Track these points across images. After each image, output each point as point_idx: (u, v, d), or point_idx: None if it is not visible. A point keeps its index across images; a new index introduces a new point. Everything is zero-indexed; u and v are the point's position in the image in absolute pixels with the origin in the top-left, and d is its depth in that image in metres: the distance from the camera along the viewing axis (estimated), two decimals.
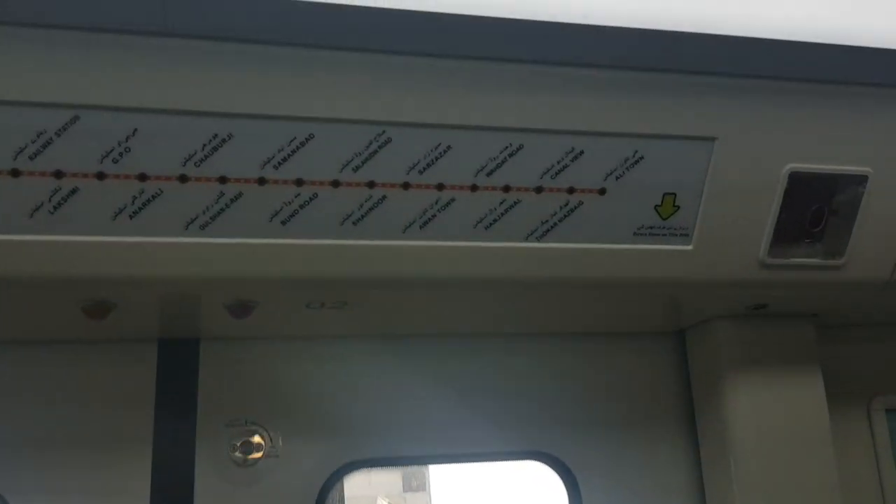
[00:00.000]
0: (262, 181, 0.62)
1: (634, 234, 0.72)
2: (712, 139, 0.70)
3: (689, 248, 0.73)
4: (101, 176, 0.59)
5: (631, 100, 0.68)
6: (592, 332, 0.92)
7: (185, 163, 0.61)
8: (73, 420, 0.76)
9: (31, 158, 0.58)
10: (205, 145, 0.61)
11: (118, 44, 0.57)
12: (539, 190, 0.68)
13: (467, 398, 0.87)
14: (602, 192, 0.70)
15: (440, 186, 0.66)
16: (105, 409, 0.77)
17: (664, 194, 0.71)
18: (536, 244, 0.70)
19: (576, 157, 0.68)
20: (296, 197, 0.64)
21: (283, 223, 0.64)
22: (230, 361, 0.81)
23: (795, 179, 0.73)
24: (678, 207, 0.72)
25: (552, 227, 0.70)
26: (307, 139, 0.62)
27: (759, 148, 0.71)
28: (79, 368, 0.77)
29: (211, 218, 0.62)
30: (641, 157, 0.70)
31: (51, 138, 0.58)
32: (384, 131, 0.64)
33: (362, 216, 0.65)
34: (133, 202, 0.61)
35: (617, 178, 0.70)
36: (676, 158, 0.70)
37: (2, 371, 0.76)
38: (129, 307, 0.68)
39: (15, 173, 0.58)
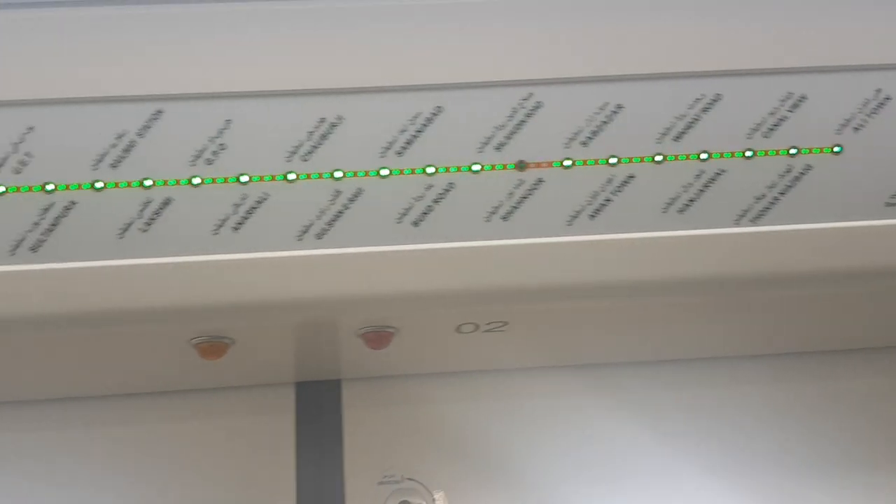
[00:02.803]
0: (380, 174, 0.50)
1: (886, 204, 0.52)
2: None
3: None
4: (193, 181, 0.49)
5: (862, 17, 0.50)
6: (828, 351, 0.72)
7: (290, 157, 0.50)
8: (200, 482, 0.67)
9: (112, 167, 0.49)
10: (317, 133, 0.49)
11: None
12: (749, 154, 0.51)
13: (676, 442, 0.69)
14: (836, 149, 0.51)
15: (612, 160, 0.50)
16: (239, 466, 0.67)
17: None
18: (750, 228, 0.52)
19: (796, 104, 0.51)
20: (427, 189, 0.50)
21: (415, 224, 0.51)
22: (378, 405, 0.69)
23: None
24: None
25: (771, 203, 0.52)
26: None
27: None
28: (205, 420, 0.68)
29: (327, 224, 0.50)
30: (888, 98, 0.51)
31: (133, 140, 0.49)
32: (531, 93, 0.49)
33: (513, 208, 0.51)
34: (236, 210, 0.50)
35: (856, 128, 0.51)
36: None
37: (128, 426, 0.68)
38: (245, 341, 0.57)
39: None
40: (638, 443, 0.70)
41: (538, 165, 0.50)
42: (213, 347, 0.56)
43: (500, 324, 0.58)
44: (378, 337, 0.57)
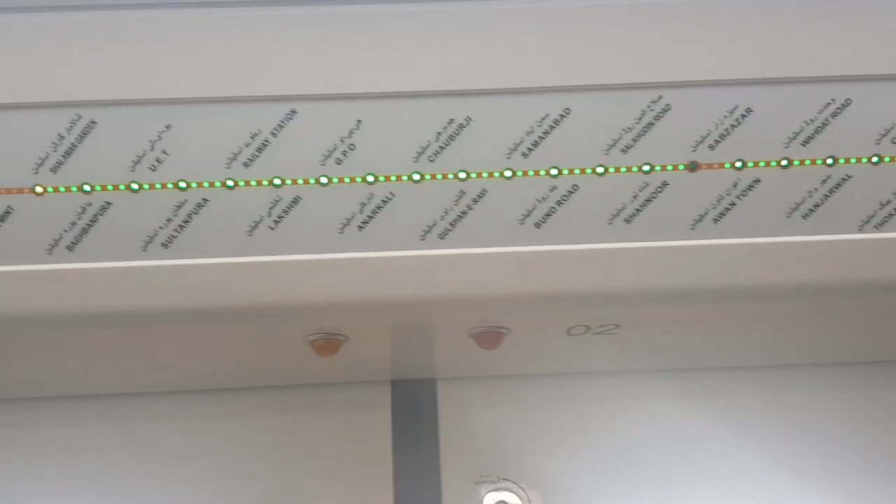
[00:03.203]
0: (509, 173, 0.50)
1: None
2: None
3: None
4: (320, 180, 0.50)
5: None
6: None
7: (417, 157, 0.50)
8: (299, 476, 0.67)
9: (245, 165, 0.49)
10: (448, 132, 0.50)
11: None
12: (875, 160, 0.51)
13: (779, 447, 0.69)
14: None
15: (738, 164, 0.50)
16: (337, 461, 0.68)
17: None
18: (874, 234, 0.52)
19: None
20: (550, 191, 0.51)
21: (537, 225, 0.51)
22: (473, 404, 0.69)
23: None
24: None
25: None
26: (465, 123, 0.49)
27: None
28: (307, 415, 0.69)
29: (451, 224, 0.51)
30: None
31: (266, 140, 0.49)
32: (661, 96, 0.49)
33: (636, 211, 0.51)
34: (362, 209, 0.51)
35: None
36: None
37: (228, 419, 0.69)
38: (357, 339, 0.58)
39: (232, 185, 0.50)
40: (732, 446, 0.69)
41: (663, 169, 0.50)
42: (328, 344, 0.57)
43: (613, 326, 0.58)
44: (491, 337, 0.57)
